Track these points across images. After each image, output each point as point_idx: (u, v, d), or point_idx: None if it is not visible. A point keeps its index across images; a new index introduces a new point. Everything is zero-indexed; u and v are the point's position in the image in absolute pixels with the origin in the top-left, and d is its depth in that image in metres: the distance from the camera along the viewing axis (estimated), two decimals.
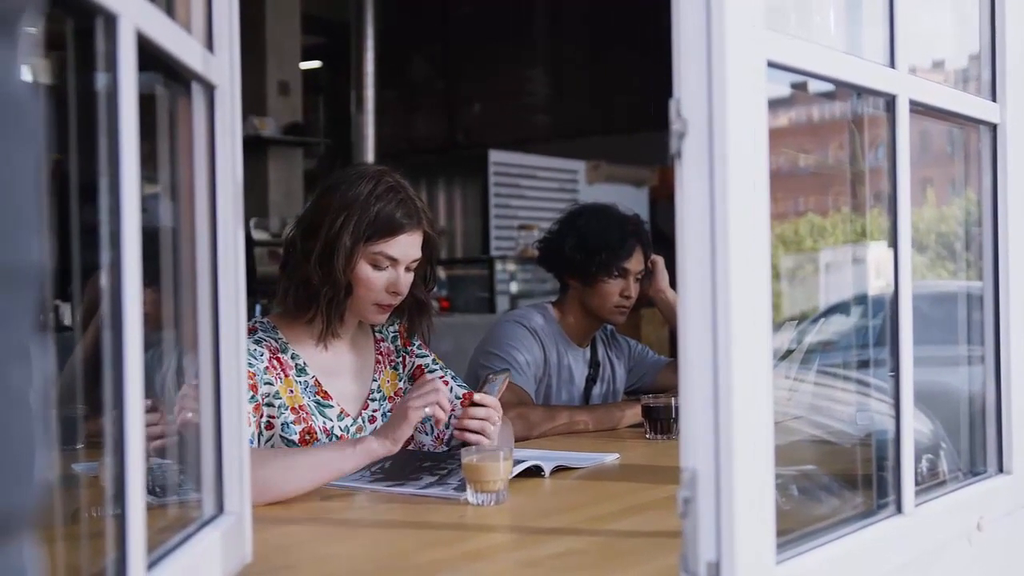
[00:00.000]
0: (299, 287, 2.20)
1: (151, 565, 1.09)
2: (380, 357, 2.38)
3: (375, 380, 2.34)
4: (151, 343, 1.09)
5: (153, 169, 1.29)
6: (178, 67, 1.23)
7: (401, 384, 2.38)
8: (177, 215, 1.38)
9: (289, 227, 2.36)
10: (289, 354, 2.22)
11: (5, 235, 0.56)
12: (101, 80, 1.01)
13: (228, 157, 1.36)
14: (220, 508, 1.36)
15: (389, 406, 2.34)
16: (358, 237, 2.16)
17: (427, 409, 1.97)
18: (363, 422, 2.29)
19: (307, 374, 2.22)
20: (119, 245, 1.00)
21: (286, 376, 2.18)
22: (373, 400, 2.33)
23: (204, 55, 1.30)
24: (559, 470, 2.17)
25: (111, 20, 0.99)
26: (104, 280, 1.02)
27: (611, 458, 2.34)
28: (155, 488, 1.31)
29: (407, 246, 2.21)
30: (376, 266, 2.19)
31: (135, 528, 1.01)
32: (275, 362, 2.17)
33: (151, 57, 1.11)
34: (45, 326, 0.64)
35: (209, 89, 1.34)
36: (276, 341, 2.21)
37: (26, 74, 0.59)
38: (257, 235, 6.71)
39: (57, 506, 1.15)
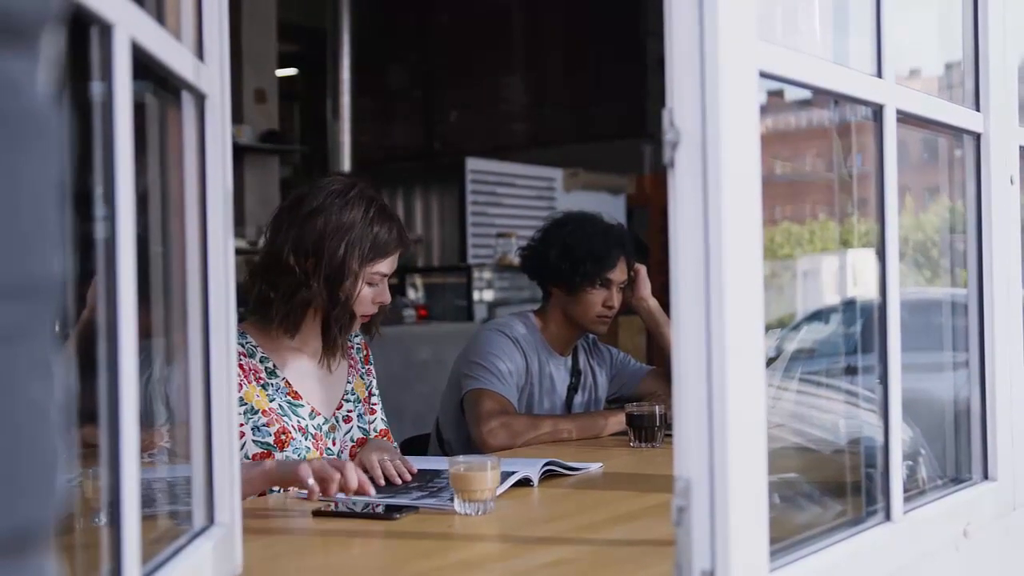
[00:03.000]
0: (300, 308, 2.25)
1: None
2: (352, 362, 2.46)
3: (349, 382, 2.42)
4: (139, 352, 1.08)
5: (143, 178, 1.28)
6: (170, 76, 1.22)
7: (366, 392, 2.48)
8: (166, 224, 1.37)
9: (263, 239, 2.37)
10: (258, 358, 2.28)
11: (28, 248, 0.56)
12: (95, 88, 1.01)
13: (218, 166, 1.36)
14: (211, 519, 1.35)
15: (362, 408, 2.44)
16: (363, 262, 2.25)
17: (311, 481, 1.90)
18: (337, 421, 2.36)
19: (278, 376, 2.28)
20: (114, 253, 1.00)
21: (250, 383, 2.23)
22: (348, 400, 2.41)
23: (195, 64, 1.30)
24: (548, 476, 2.17)
25: (106, 29, 0.98)
26: (99, 290, 1.01)
27: (596, 467, 2.34)
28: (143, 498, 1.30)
29: (395, 261, 2.34)
30: (370, 284, 2.29)
31: (130, 539, 1.00)
32: (239, 368, 2.19)
33: (142, 66, 1.10)
34: (61, 340, 0.63)
35: (200, 98, 1.33)
36: (243, 346, 2.24)
37: (46, 86, 0.59)
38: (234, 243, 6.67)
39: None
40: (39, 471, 0.57)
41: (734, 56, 1.17)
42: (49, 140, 0.58)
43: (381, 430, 2.46)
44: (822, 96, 1.58)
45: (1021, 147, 1.91)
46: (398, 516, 1.83)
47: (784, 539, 1.32)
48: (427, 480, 2.13)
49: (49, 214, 0.58)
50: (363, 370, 2.49)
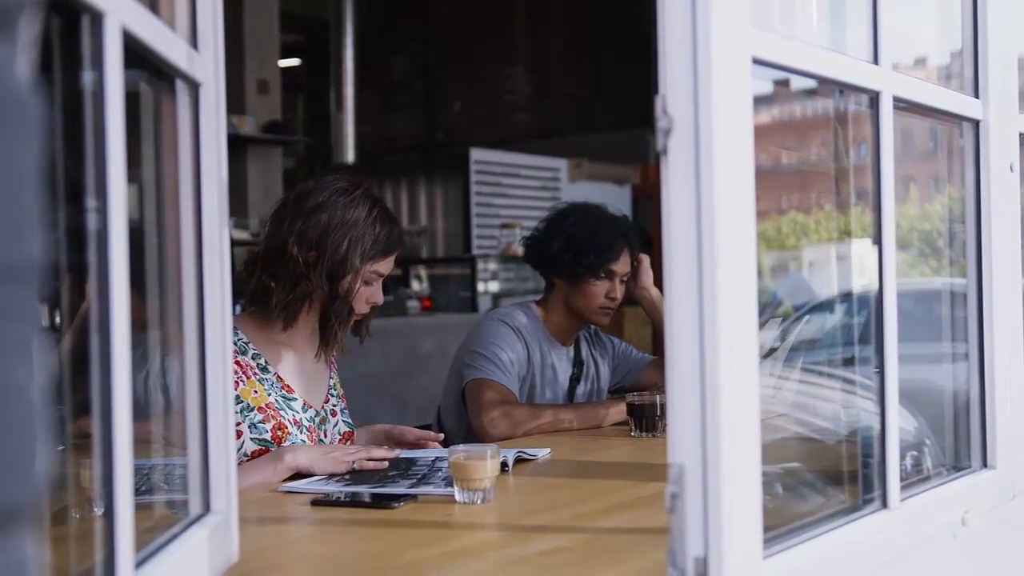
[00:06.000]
0: (300, 301, 2.27)
1: (139, 564, 1.09)
2: (333, 360, 2.50)
3: (331, 378, 2.47)
4: (134, 344, 1.08)
5: (136, 168, 1.28)
6: (163, 65, 1.22)
7: (342, 389, 2.53)
8: (161, 215, 1.37)
9: (265, 230, 2.38)
10: (249, 355, 2.29)
11: (9, 231, 0.56)
12: (86, 77, 1.01)
13: (213, 156, 1.36)
14: (207, 507, 1.36)
15: (343, 404, 2.48)
16: (364, 259, 2.27)
17: (355, 464, 2.12)
18: (326, 414, 2.41)
19: (269, 372, 2.30)
20: (106, 245, 1.00)
21: (248, 378, 2.25)
22: (332, 395, 2.45)
23: (189, 53, 1.30)
24: (519, 462, 2.23)
25: (97, 18, 0.98)
26: (90, 281, 1.01)
27: (544, 452, 2.37)
28: (138, 487, 1.31)
29: (392, 263, 2.37)
30: (366, 283, 2.32)
31: (123, 528, 1.00)
32: (235, 366, 2.20)
33: (135, 55, 1.10)
34: (42, 323, 0.64)
35: (194, 87, 1.33)
36: (235, 343, 2.25)
37: (26, 71, 0.59)
38: (236, 235, 6.69)
39: (44, 507, 1.15)
40: (19, 453, 0.57)
41: (727, 43, 1.16)
42: (28, 125, 0.58)
43: (345, 432, 2.47)
44: (825, 84, 1.58)
45: (1021, 134, 1.90)
46: (396, 505, 1.84)
47: (780, 526, 1.32)
48: (406, 468, 2.14)
49: (29, 198, 0.58)
50: (336, 368, 2.54)
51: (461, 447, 1.94)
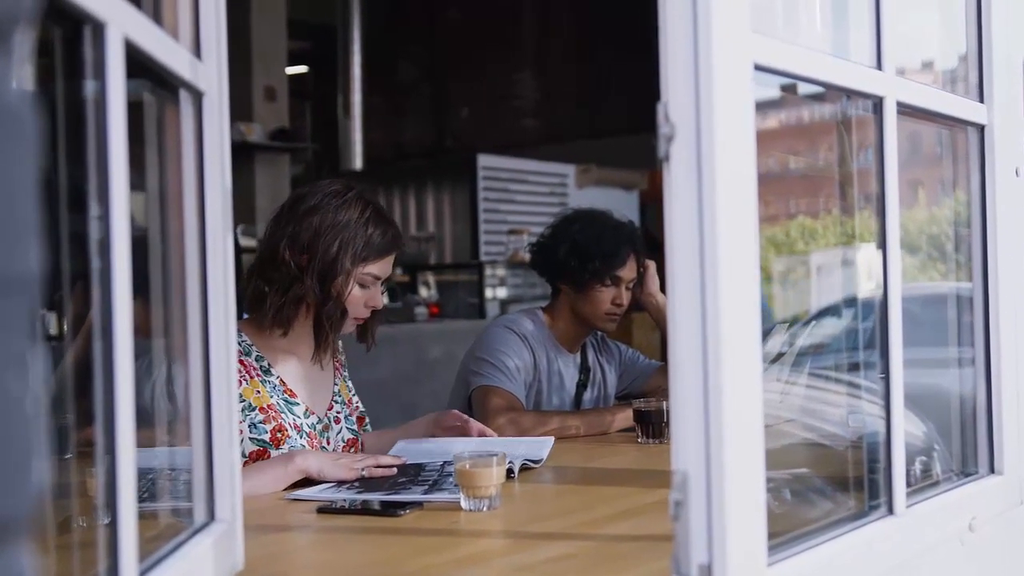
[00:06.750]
0: (293, 304, 2.28)
1: (143, 573, 1.09)
2: (338, 366, 2.50)
3: (336, 385, 2.46)
4: (140, 353, 1.09)
5: (141, 177, 1.29)
6: (166, 74, 1.22)
7: (350, 395, 2.51)
8: (165, 223, 1.37)
9: (262, 237, 2.39)
10: (253, 356, 2.30)
11: (5, 243, 0.57)
12: (89, 87, 1.01)
13: (217, 164, 1.36)
14: (211, 515, 1.36)
15: (348, 410, 2.47)
16: (355, 261, 2.27)
17: (364, 472, 2.12)
18: (329, 421, 2.40)
19: (273, 375, 2.31)
20: (108, 253, 1.00)
21: (251, 378, 2.27)
22: (337, 402, 2.45)
23: (192, 62, 1.30)
24: (524, 469, 2.22)
25: (99, 28, 0.99)
26: (93, 289, 1.01)
27: (547, 444, 2.39)
28: (143, 495, 1.31)
29: (390, 265, 2.36)
30: (362, 285, 2.32)
31: (127, 536, 1.01)
32: (238, 365, 2.21)
33: (138, 64, 1.11)
34: (40, 334, 0.64)
35: (197, 96, 1.33)
36: (239, 345, 2.25)
37: (22, 83, 0.59)
38: (244, 242, 6.69)
39: (48, 515, 1.15)
40: (14, 465, 0.57)
41: (728, 49, 1.16)
42: (25, 137, 0.58)
43: (349, 439, 2.47)
44: (829, 90, 1.58)
45: None
46: (403, 512, 1.84)
47: (785, 533, 1.32)
48: (415, 475, 2.14)
49: (25, 210, 0.58)
50: (345, 374, 2.53)
51: (467, 454, 1.94)
